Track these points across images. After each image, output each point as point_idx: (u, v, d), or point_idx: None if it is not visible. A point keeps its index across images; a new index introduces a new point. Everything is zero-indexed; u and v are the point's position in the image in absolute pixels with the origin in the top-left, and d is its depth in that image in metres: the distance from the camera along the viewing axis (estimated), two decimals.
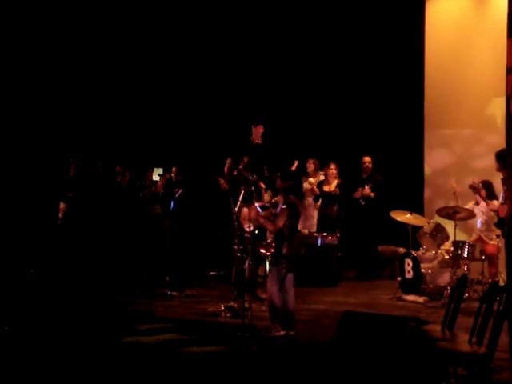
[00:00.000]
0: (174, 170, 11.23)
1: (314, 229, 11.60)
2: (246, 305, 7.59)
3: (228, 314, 8.60)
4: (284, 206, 7.70)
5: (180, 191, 10.85)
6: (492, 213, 9.60)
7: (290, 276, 7.64)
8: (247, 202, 8.66)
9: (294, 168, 11.33)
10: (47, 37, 12.35)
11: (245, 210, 8.86)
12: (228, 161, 10.08)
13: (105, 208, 11.05)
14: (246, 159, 9.39)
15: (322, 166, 11.89)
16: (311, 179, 11.80)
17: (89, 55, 13.01)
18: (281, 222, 7.63)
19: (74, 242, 10.44)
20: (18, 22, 12.09)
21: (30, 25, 12.21)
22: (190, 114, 13.85)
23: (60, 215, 10.91)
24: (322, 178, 11.81)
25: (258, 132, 8.45)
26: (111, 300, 9.64)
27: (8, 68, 11.99)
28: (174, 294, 10.01)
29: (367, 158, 11.80)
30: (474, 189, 9.56)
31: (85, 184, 10.55)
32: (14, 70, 12.09)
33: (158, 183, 10.89)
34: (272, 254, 8.00)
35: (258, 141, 8.43)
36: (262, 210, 10.45)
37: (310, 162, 11.88)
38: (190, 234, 10.93)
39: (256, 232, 9.06)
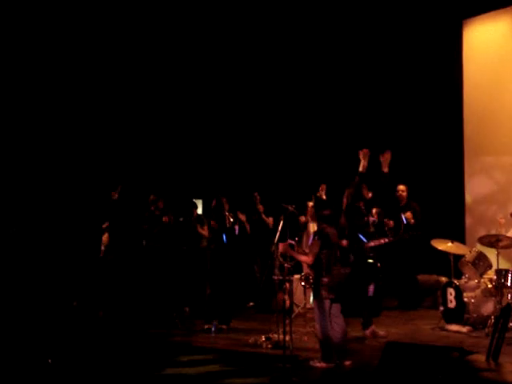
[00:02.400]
0: (224, 200, 10.97)
1: None
2: (288, 336, 7.56)
3: (269, 345, 8.57)
4: (316, 237, 7.71)
5: (237, 228, 10.63)
6: None
7: (335, 307, 7.60)
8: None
9: (321, 194, 11.35)
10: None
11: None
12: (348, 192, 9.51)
13: (145, 239, 11.10)
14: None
15: None
16: None
17: (127, 85, 13.26)
18: (313, 253, 7.62)
19: (116, 273, 10.52)
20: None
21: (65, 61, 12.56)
22: (234, 144, 14.04)
23: (102, 247, 11.03)
24: None
25: (386, 159, 8.56)
26: (152, 331, 9.68)
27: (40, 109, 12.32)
28: (223, 326, 9.84)
29: (401, 187, 11.72)
30: None
31: (126, 215, 10.62)
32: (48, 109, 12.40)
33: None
34: (312, 285, 7.97)
35: (386, 169, 8.54)
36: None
37: None
38: (233, 265, 10.80)
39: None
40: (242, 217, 11.30)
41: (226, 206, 10.28)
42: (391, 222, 11.60)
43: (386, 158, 8.86)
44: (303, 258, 7.90)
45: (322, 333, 7.58)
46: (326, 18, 13.22)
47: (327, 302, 7.54)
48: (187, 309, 10.86)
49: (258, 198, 12.44)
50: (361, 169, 8.89)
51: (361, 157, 8.92)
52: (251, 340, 8.85)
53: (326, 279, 7.56)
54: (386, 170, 8.84)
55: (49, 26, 12.36)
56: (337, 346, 7.54)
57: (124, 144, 13.19)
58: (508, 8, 12.09)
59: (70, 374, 7.32)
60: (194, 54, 13.73)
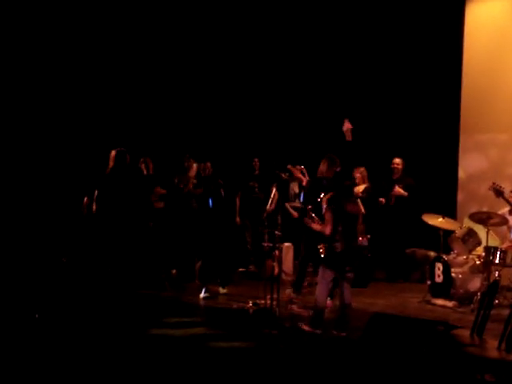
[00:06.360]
0: (208, 165, 11.00)
1: None
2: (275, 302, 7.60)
3: (256, 311, 8.61)
4: (327, 205, 7.62)
5: (222, 191, 10.55)
6: None
7: (321, 271, 7.60)
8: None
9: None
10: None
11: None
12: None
13: (135, 198, 10.99)
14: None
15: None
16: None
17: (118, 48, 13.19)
18: (330, 223, 7.51)
19: (105, 231, 10.47)
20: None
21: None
22: (222, 109, 13.96)
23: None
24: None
25: (347, 127, 8.70)
26: (141, 292, 9.71)
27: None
28: (223, 290, 9.84)
29: (397, 160, 11.69)
30: (497, 191, 9.52)
31: (115, 175, 10.45)
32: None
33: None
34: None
35: (349, 138, 8.68)
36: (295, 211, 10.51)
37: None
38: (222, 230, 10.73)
39: None
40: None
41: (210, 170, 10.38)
42: (383, 200, 11.57)
43: (346, 129, 8.91)
44: (320, 227, 7.68)
45: (318, 300, 7.55)
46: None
47: (331, 272, 7.50)
48: (174, 271, 10.87)
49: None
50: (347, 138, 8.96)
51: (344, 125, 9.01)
52: (238, 305, 8.90)
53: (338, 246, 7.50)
54: (348, 139, 8.89)
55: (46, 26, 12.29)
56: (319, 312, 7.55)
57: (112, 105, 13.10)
58: None
59: (56, 330, 7.35)
60: (176, 48, 13.64)
